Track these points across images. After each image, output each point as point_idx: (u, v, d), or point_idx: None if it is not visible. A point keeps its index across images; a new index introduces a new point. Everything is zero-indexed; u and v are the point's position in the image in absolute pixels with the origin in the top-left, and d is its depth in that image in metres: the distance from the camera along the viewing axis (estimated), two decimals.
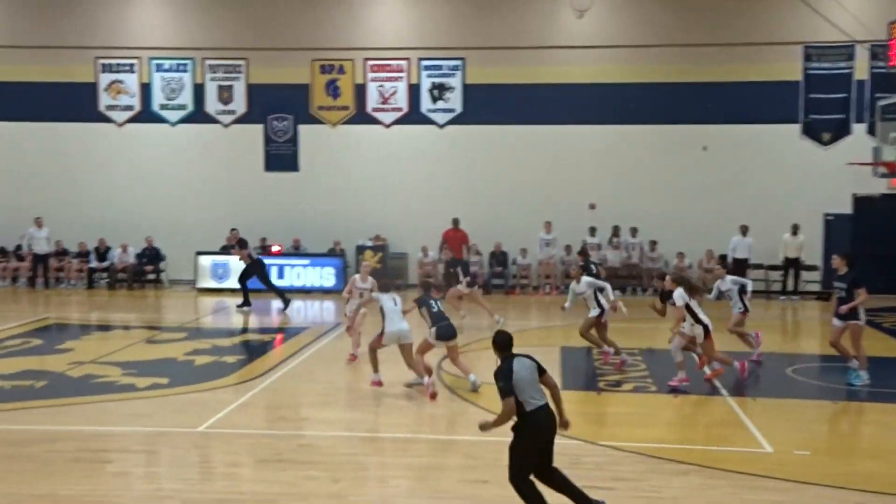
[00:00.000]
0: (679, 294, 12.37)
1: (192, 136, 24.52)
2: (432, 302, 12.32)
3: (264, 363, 14.23)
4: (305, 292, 22.64)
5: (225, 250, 23.20)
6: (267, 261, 22.68)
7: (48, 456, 9.38)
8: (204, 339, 16.28)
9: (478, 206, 23.77)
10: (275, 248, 23.37)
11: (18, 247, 23.98)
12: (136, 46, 24.40)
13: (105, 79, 24.48)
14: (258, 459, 9.32)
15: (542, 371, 7.44)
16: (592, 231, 23.56)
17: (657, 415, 11.30)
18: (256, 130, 24.36)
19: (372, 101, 24.17)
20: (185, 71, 24.44)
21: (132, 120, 24.52)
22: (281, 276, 22.79)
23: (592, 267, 15.76)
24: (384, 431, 10.51)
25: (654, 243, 23.31)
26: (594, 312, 14.03)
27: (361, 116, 24.21)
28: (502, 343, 7.53)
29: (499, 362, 7.45)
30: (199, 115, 24.45)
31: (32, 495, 8.26)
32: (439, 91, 24.04)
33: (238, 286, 20.31)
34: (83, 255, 23.88)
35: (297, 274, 22.96)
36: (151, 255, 23.80)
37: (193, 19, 24.46)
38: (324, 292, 22.43)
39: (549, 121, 23.63)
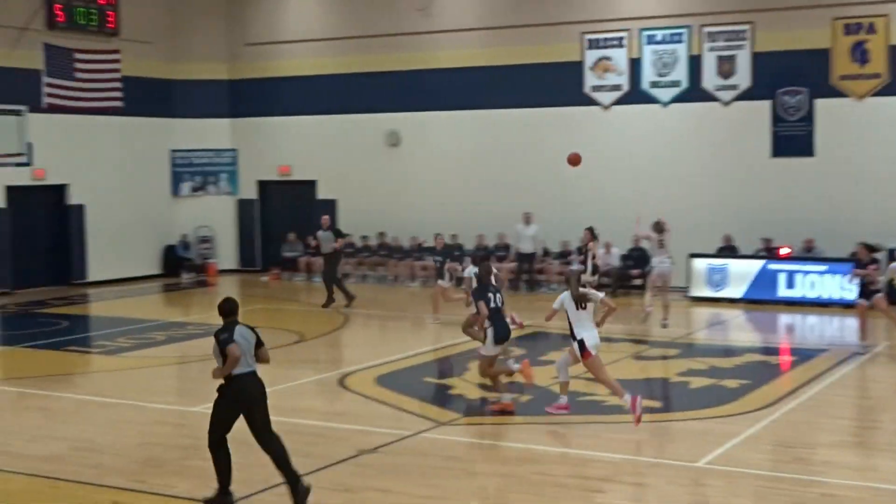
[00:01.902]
0: None
1: (686, 117, 25.10)
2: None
3: (773, 390, 14.28)
4: (822, 305, 22.07)
5: (722, 252, 23.49)
6: (773, 266, 22.69)
7: (538, 479, 10.39)
8: (699, 357, 16.72)
9: None
10: (783, 251, 23.15)
11: (496, 247, 26.30)
12: (627, 17, 25.57)
13: (591, 56, 26.05)
14: None
15: (259, 343, 9.29)
16: None
17: None
18: (762, 108, 24.28)
19: None
20: (679, 41, 25.11)
21: (619, 101, 25.79)
22: (791, 284, 22.51)
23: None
24: None
25: None
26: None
27: None
28: (228, 309, 9.34)
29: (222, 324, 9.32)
30: (694, 92, 24.99)
31: None
32: None
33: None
34: (565, 255, 25.61)
35: (812, 283, 22.48)
36: (638, 257, 24.73)
37: None
38: (844, 306, 21.64)
39: None
